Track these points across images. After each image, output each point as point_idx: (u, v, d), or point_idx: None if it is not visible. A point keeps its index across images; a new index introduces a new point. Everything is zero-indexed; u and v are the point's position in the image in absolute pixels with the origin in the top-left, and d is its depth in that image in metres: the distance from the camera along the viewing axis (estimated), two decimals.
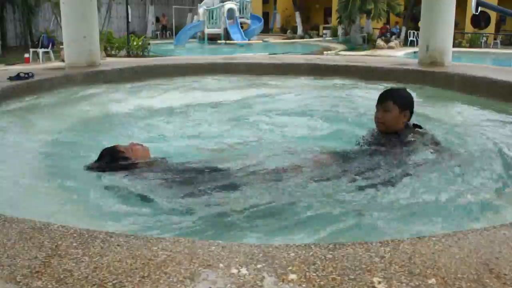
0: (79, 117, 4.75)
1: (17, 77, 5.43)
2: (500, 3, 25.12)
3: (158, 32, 34.99)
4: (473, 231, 1.74)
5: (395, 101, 3.46)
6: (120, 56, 18.94)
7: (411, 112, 3.53)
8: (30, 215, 1.93)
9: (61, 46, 13.68)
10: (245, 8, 30.90)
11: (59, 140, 4.01)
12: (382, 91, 3.68)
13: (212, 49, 25.85)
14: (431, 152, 3.35)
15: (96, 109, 5.20)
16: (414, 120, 3.63)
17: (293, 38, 33.29)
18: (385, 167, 3.16)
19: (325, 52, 22.12)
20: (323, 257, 1.53)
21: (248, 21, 31.23)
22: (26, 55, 17.39)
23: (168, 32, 34.01)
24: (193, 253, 1.56)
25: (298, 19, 34.84)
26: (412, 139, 3.45)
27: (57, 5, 18.07)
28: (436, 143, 3.51)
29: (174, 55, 20.53)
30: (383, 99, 3.53)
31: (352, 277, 1.43)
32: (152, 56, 17.80)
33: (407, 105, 3.50)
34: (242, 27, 29.53)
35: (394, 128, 3.50)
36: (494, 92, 5.52)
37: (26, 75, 5.51)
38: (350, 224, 2.42)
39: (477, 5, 7.50)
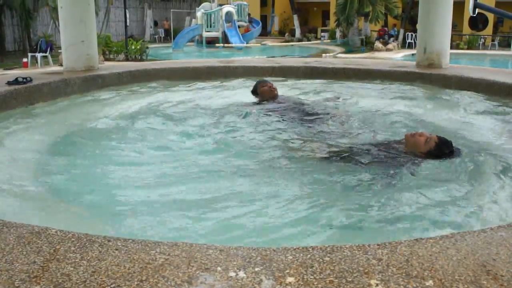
0: (77, 122, 4.75)
1: (15, 81, 5.43)
2: (497, 5, 25.17)
3: (157, 36, 35.03)
4: (470, 232, 1.74)
5: None
6: (119, 60, 18.95)
7: None
8: (28, 220, 1.93)
9: (59, 51, 13.71)
10: (243, 12, 30.97)
11: (58, 145, 4.01)
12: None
13: (210, 52, 25.87)
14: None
15: (94, 113, 5.20)
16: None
17: (291, 41, 33.29)
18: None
19: (323, 55, 22.14)
20: (320, 260, 1.54)
21: (246, 24, 31.27)
22: (25, 60, 17.41)
23: (168, 36, 34.08)
24: (191, 257, 1.56)
25: (296, 22, 34.88)
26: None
27: (55, 9, 18.08)
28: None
29: (172, 58, 20.55)
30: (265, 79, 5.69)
31: (350, 279, 1.43)
32: (151, 60, 17.81)
33: None
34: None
35: None
36: (491, 94, 5.53)
37: (24, 80, 5.51)
38: (347, 226, 2.43)
39: (475, 7, 7.50)
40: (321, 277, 1.44)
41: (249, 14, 32.16)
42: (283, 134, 4.21)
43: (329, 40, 32.13)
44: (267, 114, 4.79)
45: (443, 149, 3.48)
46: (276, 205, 2.68)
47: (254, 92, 5.54)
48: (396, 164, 3.37)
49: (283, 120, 4.63)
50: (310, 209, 2.63)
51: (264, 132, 4.25)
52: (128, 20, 23.09)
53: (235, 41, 27.64)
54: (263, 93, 5.38)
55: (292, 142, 3.94)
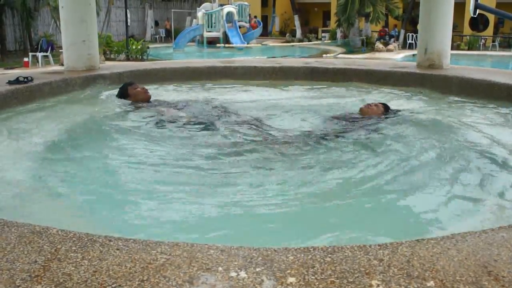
0: (78, 121, 4.75)
1: (16, 81, 5.44)
2: (498, 6, 25.17)
3: (158, 36, 35.03)
4: (471, 233, 1.74)
5: None
6: (119, 60, 18.96)
7: None
8: (29, 219, 1.93)
9: (60, 50, 13.72)
10: (244, 12, 30.99)
11: (58, 144, 4.01)
12: None
13: (211, 52, 25.88)
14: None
15: (95, 113, 5.20)
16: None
17: (292, 41, 33.31)
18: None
19: (324, 55, 22.15)
20: (322, 260, 1.54)
21: (247, 25, 31.27)
22: (25, 59, 17.41)
23: (169, 36, 34.09)
24: (192, 257, 1.56)
25: (297, 23, 34.89)
26: None
27: (56, 9, 18.11)
28: None
29: (173, 58, 20.56)
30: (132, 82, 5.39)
31: (351, 280, 1.43)
32: (151, 60, 17.81)
33: None
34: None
35: None
36: (492, 95, 5.53)
37: (25, 79, 5.52)
38: (348, 226, 2.43)
39: (475, 7, 7.50)
40: (322, 277, 1.44)
41: (249, 15, 32.19)
42: (246, 135, 4.13)
43: (329, 41, 32.13)
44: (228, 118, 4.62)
45: (388, 108, 4.65)
46: (276, 204, 2.67)
47: (123, 95, 5.31)
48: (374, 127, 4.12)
49: (238, 123, 4.50)
50: (310, 208, 2.63)
51: (236, 134, 4.18)
52: (129, 20, 23.13)
53: (236, 41, 27.65)
54: (137, 95, 5.21)
55: (269, 138, 3.95)
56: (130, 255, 1.58)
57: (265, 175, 3.17)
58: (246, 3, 31.32)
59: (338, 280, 1.43)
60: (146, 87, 6.45)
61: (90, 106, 5.49)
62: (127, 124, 4.63)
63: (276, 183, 3.02)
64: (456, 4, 7.13)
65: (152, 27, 35.61)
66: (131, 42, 20.53)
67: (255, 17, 33.33)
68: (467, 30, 30.21)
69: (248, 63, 8.10)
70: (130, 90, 5.25)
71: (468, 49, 27.28)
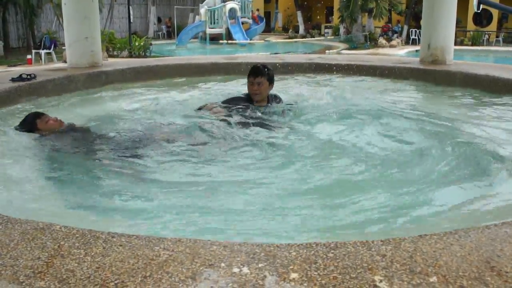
0: (81, 118, 4.75)
1: (20, 78, 5.45)
2: (502, 1, 25.06)
3: (160, 33, 35.03)
4: (474, 229, 1.74)
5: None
6: (122, 57, 18.96)
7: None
8: (32, 216, 1.94)
9: (63, 47, 13.74)
10: (247, 8, 30.94)
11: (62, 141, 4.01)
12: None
13: (214, 49, 25.85)
14: None
15: (98, 109, 5.21)
16: None
17: (295, 37, 33.28)
18: None
19: (327, 51, 22.10)
20: (324, 256, 1.54)
21: (250, 21, 31.19)
22: (28, 56, 17.43)
23: (172, 33, 34.10)
24: (195, 253, 1.57)
25: (299, 18, 34.83)
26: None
27: (59, 6, 18.08)
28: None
29: (176, 55, 20.55)
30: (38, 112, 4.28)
31: (354, 275, 1.43)
32: (154, 57, 17.81)
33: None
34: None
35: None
36: (496, 90, 5.51)
37: (28, 76, 5.53)
38: (351, 222, 2.42)
39: (479, 3, 7.46)
40: (324, 273, 1.44)
41: (251, 11, 32.12)
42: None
43: (332, 37, 32.06)
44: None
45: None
46: (279, 200, 2.67)
47: (32, 129, 4.09)
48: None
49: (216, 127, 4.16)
50: (313, 204, 2.63)
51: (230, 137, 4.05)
52: (132, 17, 23.09)
53: (238, 38, 27.63)
54: (50, 127, 4.10)
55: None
56: (133, 251, 1.58)
57: (265, 171, 3.17)
58: None
59: (340, 276, 1.43)
60: (150, 83, 6.48)
61: (93, 103, 5.50)
62: (132, 119, 4.63)
63: (277, 178, 3.02)
64: None
65: (155, 24, 35.59)
66: (134, 38, 20.54)
67: (258, 10, 33.35)
68: (470, 25, 30.08)
69: (251, 59, 8.09)
70: (41, 124, 4.13)
71: (472, 45, 27.19)
